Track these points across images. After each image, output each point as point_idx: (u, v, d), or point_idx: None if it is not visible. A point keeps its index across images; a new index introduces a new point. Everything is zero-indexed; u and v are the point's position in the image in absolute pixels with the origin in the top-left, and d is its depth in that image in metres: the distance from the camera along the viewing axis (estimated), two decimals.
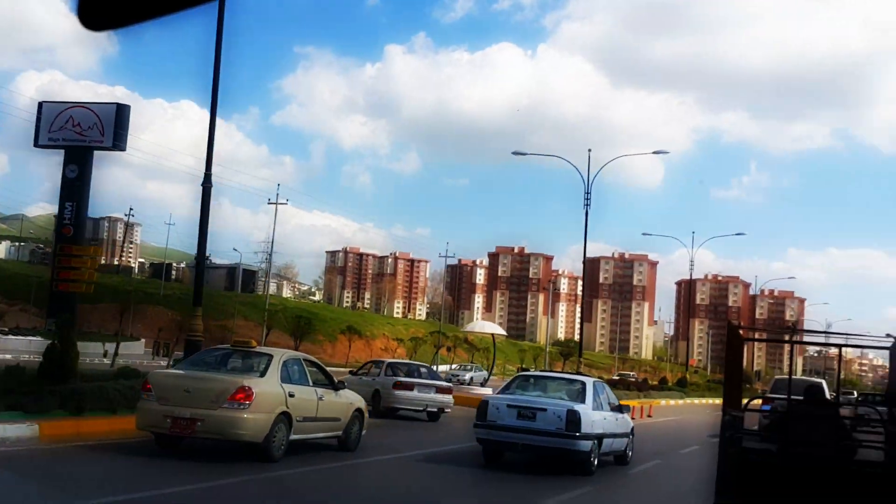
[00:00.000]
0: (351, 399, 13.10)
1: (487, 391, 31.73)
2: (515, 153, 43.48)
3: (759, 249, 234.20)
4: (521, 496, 10.56)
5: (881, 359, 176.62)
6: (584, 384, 13.59)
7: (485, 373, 52.11)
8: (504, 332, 62.93)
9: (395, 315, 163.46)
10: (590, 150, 37.79)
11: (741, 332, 7.77)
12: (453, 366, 59.14)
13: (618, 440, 14.12)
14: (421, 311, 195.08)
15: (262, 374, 10.96)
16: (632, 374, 73.85)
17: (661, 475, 14.31)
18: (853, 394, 37.66)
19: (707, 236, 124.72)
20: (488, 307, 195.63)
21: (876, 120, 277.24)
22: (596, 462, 12.83)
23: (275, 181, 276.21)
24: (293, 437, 11.00)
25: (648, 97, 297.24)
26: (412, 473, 11.79)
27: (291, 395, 11.06)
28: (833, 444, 6.59)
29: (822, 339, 20.57)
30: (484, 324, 67.54)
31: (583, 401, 12.87)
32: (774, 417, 7.34)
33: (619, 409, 14.48)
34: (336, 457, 11.85)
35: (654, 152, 46.95)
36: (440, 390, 22.03)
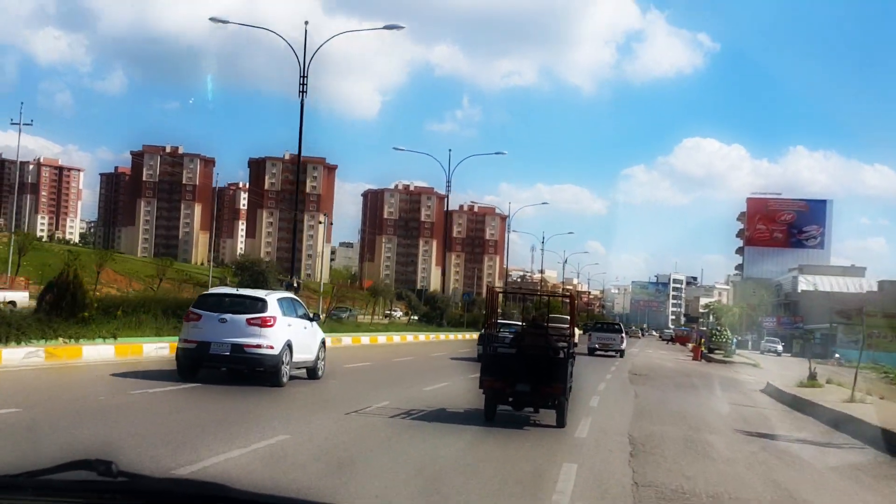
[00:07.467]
0: None
1: None
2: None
3: (472, 184, 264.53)
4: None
5: (604, 292, 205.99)
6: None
7: None
8: None
9: (39, 233, 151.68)
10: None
11: (494, 290, 16.54)
12: None
13: None
14: (73, 229, 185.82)
15: None
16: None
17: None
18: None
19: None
20: (131, 220, 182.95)
21: (578, 60, 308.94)
22: None
23: None
24: None
25: (361, 25, 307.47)
26: None
27: None
28: (543, 346, 14.86)
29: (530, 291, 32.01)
30: None
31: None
32: (515, 334, 16.17)
33: None
34: None
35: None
36: None
